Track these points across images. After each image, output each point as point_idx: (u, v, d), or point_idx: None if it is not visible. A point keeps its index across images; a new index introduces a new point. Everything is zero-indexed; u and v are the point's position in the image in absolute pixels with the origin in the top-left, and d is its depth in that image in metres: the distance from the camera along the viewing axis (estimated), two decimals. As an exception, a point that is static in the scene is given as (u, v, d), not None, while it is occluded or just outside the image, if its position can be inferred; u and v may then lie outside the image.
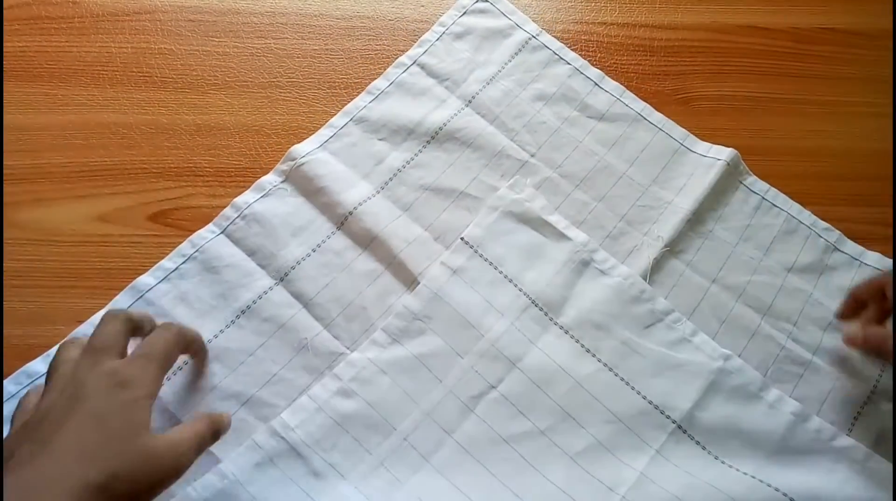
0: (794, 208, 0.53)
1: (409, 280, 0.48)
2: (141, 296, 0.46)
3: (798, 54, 0.61)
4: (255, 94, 0.55)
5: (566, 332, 0.47)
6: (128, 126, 0.53)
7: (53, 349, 0.43)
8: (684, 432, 0.45)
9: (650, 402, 0.45)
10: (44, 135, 0.51)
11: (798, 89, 0.59)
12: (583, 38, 0.60)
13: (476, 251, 0.49)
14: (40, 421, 0.33)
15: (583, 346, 0.47)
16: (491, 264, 0.49)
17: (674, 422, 0.45)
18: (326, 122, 0.54)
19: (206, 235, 0.49)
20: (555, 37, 0.59)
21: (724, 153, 0.54)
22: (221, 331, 0.46)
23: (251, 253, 0.48)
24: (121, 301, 0.46)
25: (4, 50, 0.54)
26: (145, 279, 0.47)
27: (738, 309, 0.50)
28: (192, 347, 0.43)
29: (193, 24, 0.57)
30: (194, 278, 0.47)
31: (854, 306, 0.48)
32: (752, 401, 0.46)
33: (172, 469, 0.34)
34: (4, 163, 0.50)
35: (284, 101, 0.55)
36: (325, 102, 0.55)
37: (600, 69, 0.58)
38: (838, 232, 0.53)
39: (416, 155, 0.53)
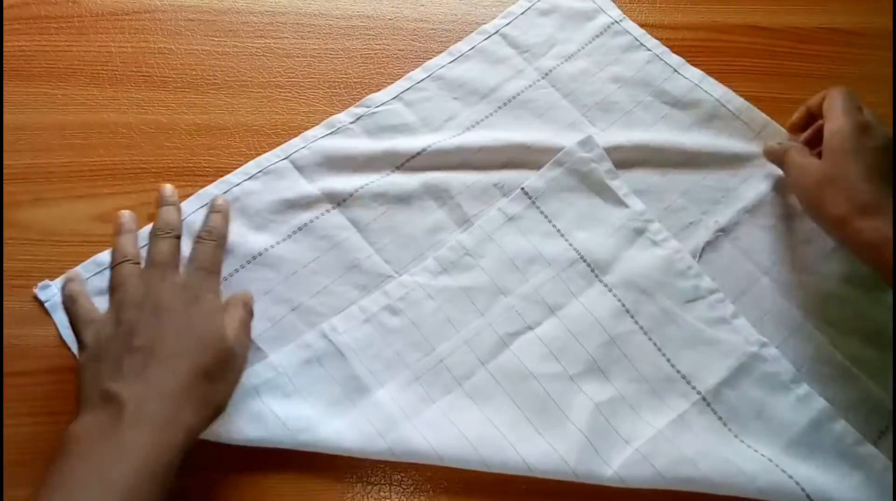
0: None
1: (462, 220, 0.51)
2: (203, 205, 0.50)
3: (798, 54, 0.61)
4: (254, 93, 0.55)
5: (610, 290, 0.49)
6: (127, 126, 0.53)
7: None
8: (708, 405, 0.45)
9: (678, 371, 0.46)
10: (44, 135, 0.52)
11: (798, 89, 0.59)
12: (583, 37, 0.60)
13: (534, 203, 0.51)
14: (130, 333, 0.38)
15: (623, 305, 0.48)
16: (546, 217, 0.51)
17: (699, 393, 0.45)
18: (326, 119, 0.54)
19: (272, 158, 0.52)
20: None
21: None
22: (278, 243, 0.49)
23: (311, 180, 0.51)
24: (189, 207, 0.50)
25: (4, 50, 0.54)
26: (210, 190, 0.50)
27: (784, 305, 0.49)
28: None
29: (193, 23, 0.57)
30: (255, 193, 0.51)
31: (807, 118, 0.52)
32: (780, 391, 0.46)
33: (242, 358, 0.41)
34: (4, 163, 0.50)
35: (284, 100, 0.55)
36: (325, 102, 0.55)
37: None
38: None
39: (486, 117, 0.55)
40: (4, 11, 0.55)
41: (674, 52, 0.60)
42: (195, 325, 0.40)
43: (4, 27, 0.54)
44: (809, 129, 0.52)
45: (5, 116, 0.52)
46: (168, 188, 0.47)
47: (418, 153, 0.52)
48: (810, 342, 0.48)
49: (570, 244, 0.50)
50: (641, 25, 0.61)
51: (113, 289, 0.42)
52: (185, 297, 0.40)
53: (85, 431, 0.35)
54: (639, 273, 0.49)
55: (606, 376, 0.46)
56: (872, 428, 0.46)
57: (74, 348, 0.44)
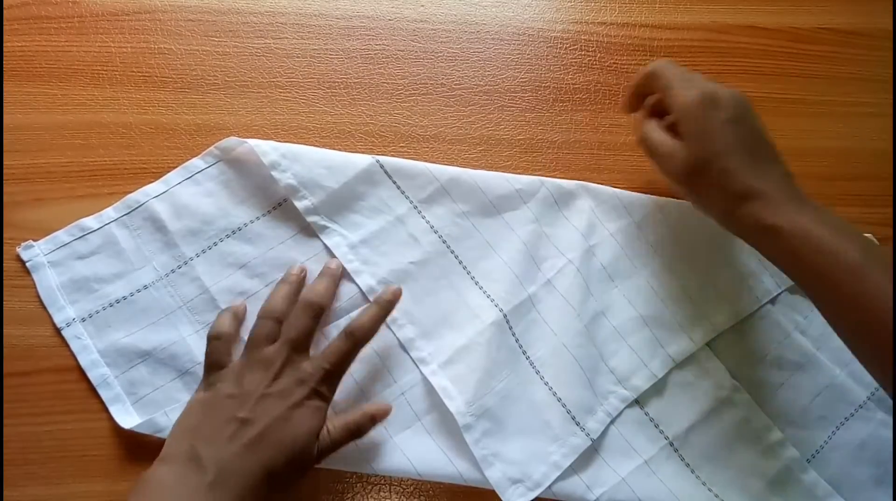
0: None
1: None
2: (191, 176, 0.51)
3: (798, 54, 0.61)
4: (254, 93, 0.55)
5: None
6: (127, 126, 0.53)
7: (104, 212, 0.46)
8: (675, 450, 0.45)
9: (647, 414, 0.46)
10: (44, 135, 0.51)
11: (798, 89, 0.59)
12: (583, 37, 0.60)
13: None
14: (242, 402, 0.40)
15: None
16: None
17: (666, 438, 0.45)
18: (326, 121, 0.54)
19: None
20: (554, 36, 0.59)
21: None
22: (258, 218, 0.50)
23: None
24: (172, 179, 0.50)
25: (4, 50, 0.54)
26: (196, 162, 0.51)
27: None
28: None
29: (193, 23, 0.57)
30: (240, 168, 0.51)
31: (637, 100, 0.49)
32: (751, 438, 0.46)
33: (312, 463, 0.41)
34: (4, 163, 0.50)
35: (284, 101, 0.55)
36: (325, 102, 0.55)
37: (598, 69, 0.58)
38: None
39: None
40: (4, 11, 0.55)
41: (674, 52, 0.60)
42: (290, 426, 0.40)
43: (4, 27, 0.54)
44: (646, 104, 0.49)
45: (5, 116, 0.52)
46: (335, 262, 0.48)
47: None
48: (777, 329, 0.49)
49: None
50: (641, 26, 0.61)
51: (251, 342, 0.43)
52: (298, 392, 0.40)
53: (165, 482, 0.37)
54: None
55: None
56: (839, 415, 0.47)
57: (53, 316, 0.46)
